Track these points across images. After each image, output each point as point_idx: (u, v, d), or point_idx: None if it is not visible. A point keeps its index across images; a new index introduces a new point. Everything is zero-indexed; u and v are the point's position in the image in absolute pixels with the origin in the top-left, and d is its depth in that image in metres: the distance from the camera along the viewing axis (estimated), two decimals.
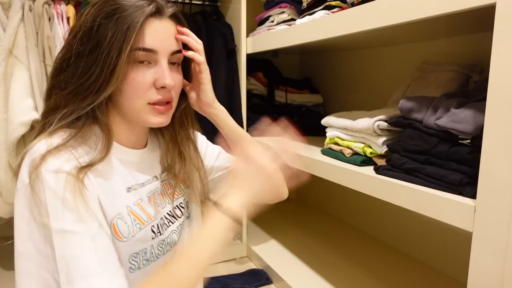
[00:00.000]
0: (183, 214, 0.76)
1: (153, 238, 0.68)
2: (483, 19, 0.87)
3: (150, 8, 0.62)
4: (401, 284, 1.29)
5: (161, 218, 0.71)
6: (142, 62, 0.63)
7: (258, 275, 1.44)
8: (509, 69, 0.59)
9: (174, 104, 0.68)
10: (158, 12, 0.64)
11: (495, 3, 0.61)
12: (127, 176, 0.68)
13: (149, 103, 0.64)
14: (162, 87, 0.64)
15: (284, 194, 0.84)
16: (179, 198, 0.77)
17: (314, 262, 1.45)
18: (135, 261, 0.64)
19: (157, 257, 0.68)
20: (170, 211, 0.74)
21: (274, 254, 1.52)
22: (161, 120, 0.66)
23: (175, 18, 0.68)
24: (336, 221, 1.86)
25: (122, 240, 0.62)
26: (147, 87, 0.63)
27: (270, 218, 1.90)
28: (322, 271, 1.38)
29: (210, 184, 0.84)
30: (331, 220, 1.88)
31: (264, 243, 1.63)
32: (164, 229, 0.71)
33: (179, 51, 0.67)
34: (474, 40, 1.14)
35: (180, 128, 0.77)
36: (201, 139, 0.87)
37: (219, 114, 0.81)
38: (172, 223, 0.73)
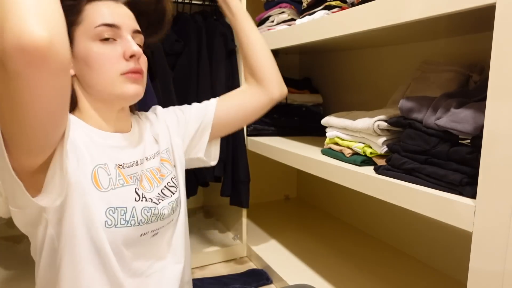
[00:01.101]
0: (173, 193, 0.78)
1: (136, 200, 0.68)
2: (483, 19, 0.87)
3: None
4: (401, 284, 1.29)
5: (153, 194, 0.74)
6: (107, 39, 0.67)
7: (258, 275, 1.44)
8: (509, 69, 0.59)
9: (144, 78, 0.72)
10: None
11: (495, 3, 0.61)
12: (104, 156, 0.69)
13: (121, 74, 0.68)
14: (131, 56, 0.68)
15: None
16: (166, 178, 0.79)
17: (314, 262, 1.45)
18: (112, 216, 0.65)
19: (139, 223, 0.68)
20: (158, 193, 0.76)
21: (274, 254, 1.52)
22: (137, 87, 0.70)
23: (131, 6, 0.74)
24: (336, 221, 1.86)
25: (101, 190, 0.65)
26: (116, 59, 0.67)
27: (270, 218, 1.90)
28: (322, 271, 1.38)
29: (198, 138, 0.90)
30: (331, 220, 1.88)
31: (264, 243, 1.63)
32: (153, 202, 0.72)
33: (139, 32, 0.72)
34: (474, 40, 1.14)
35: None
36: (165, 112, 0.89)
37: None
38: (162, 200, 0.75)
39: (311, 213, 1.97)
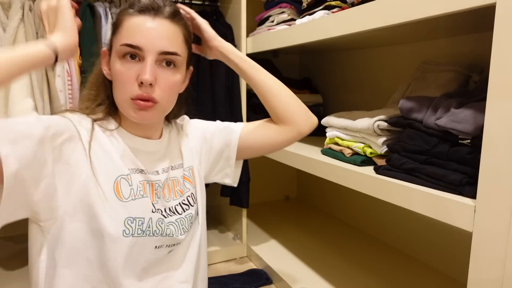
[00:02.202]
0: (184, 211, 0.78)
1: (153, 212, 0.70)
2: (483, 19, 0.87)
3: (138, 5, 0.66)
4: (401, 284, 1.29)
5: (163, 209, 0.74)
6: (131, 57, 0.66)
7: (258, 275, 1.44)
8: (509, 69, 0.59)
9: (163, 103, 0.69)
10: (149, 10, 0.66)
11: (495, 3, 0.61)
12: (130, 158, 0.71)
13: (131, 98, 0.66)
14: (142, 83, 0.65)
15: None
16: (183, 195, 0.79)
17: (314, 262, 1.45)
18: (130, 226, 0.66)
19: (154, 234, 0.70)
20: (172, 206, 0.76)
21: (274, 254, 1.52)
22: (141, 116, 0.67)
23: (174, 19, 0.68)
24: (336, 221, 1.86)
25: (122, 200, 0.67)
26: (130, 81, 0.66)
27: (270, 218, 1.90)
28: (322, 271, 1.38)
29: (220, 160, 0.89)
30: (331, 220, 1.88)
31: (264, 243, 1.63)
32: (162, 214, 0.73)
33: (171, 53, 0.67)
34: (474, 40, 1.14)
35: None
36: (199, 126, 0.89)
37: (225, 45, 0.85)
38: (170, 216, 0.75)
39: (311, 213, 1.97)
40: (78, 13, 0.51)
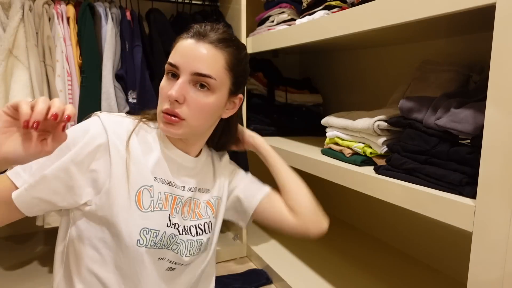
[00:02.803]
0: (197, 235, 0.79)
1: (167, 226, 0.72)
2: (483, 19, 0.87)
3: (191, 30, 0.71)
4: (401, 284, 1.29)
5: (180, 224, 0.75)
6: (172, 75, 0.71)
7: (258, 275, 1.44)
8: (509, 69, 0.59)
9: (191, 121, 0.71)
10: (196, 35, 0.70)
11: (495, 3, 0.61)
12: (163, 168, 0.74)
13: (162, 111, 0.70)
14: (169, 98, 0.69)
15: None
16: (202, 219, 0.80)
17: (314, 262, 1.45)
18: (145, 237, 0.69)
19: (163, 247, 0.72)
20: (187, 225, 0.77)
21: (274, 254, 1.52)
22: (167, 129, 0.70)
23: (218, 45, 0.71)
24: (336, 221, 1.86)
25: (142, 210, 0.69)
26: (165, 96, 0.70)
27: None
28: (322, 271, 1.38)
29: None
30: (331, 220, 1.86)
31: (264, 243, 1.63)
32: (178, 232, 0.75)
33: (203, 75, 0.69)
34: (474, 40, 1.14)
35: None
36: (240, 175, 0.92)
37: (257, 139, 0.92)
38: (185, 234, 0.76)
39: None
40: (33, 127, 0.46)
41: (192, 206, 0.79)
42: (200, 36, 0.70)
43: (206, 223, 0.81)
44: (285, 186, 0.89)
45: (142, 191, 0.69)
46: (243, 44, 0.79)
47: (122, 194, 0.67)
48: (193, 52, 0.69)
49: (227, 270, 1.50)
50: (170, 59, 0.71)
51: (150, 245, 0.69)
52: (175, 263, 0.75)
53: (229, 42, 0.73)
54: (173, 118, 0.69)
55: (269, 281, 1.41)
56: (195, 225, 0.79)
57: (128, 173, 0.68)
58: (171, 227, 0.73)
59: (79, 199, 0.67)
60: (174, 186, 0.75)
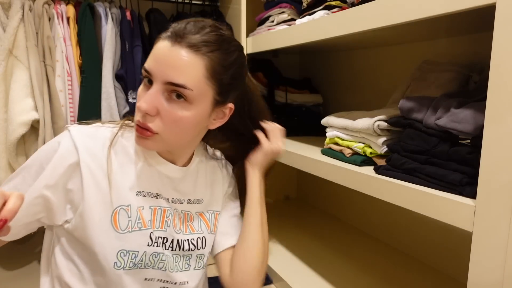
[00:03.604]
0: (189, 250, 0.74)
1: (148, 245, 0.67)
2: (483, 19, 0.87)
3: (169, 29, 0.62)
4: (401, 284, 1.29)
5: (169, 238, 0.71)
6: (148, 81, 0.63)
7: None
8: (509, 69, 0.59)
9: (165, 136, 0.63)
10: (173, 36, 0.61)
11: (495, 3, 0.61)
12: (147, 180, 0.68)
13: (135, 122, 0.64)
14: (139, 111, 0.62)
15: None
16: (194, 233, 0.76)
17: (314, 262, 1.45)
18: (122, 259, 0.64)
19: (145, 267, 0.67)
20: (180, 240, 0.72)
21: (274, 254, 1.52)
22: (139, 143, 0.64)
23: (198, 49, 0.61)
24: (336, 221, 1.86)
25: (118, 232, 0.64)
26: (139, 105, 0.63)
27: (270, 218, 1.90)
28: (322, 271, 1.38)
29: None
30: (331, 220, 1.88)
31: None
32: (164, 247, 0.70)
33: (176, 85, 0.60)
34: (474, 40, 1.14)
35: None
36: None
37: (250, 176, 0.86)
38: (171, 249, 0.71)
39: (311, 213, 1.97)
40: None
41: (183, 219, 0.74)
42: (178, 38, 0.60)
43: (200, 238, 0.76)
44: (246, 236, 0.81)
45: (119, 211, 0.64)
46: (237, 45, 0.68)
47: (97, 217, 0.62)
48: (167, 58, 0.59)
49: None
50: (146, 63, 0.62)
51: (129, 267, 0.65)
52: (167, 281, 0.71)
53: (215, 46, 0.62)
54: (145, 131, 0.62)
55: (269, 281, 1.41)
56: (188, 240, 0.74)
57: (102, 193, 0.63)
58: (153, 246, 0.67)
59: (60, 218, 0.64)
60: (161, 198, 0.70)
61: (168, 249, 0.70)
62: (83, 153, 0.62)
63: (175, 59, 0.59)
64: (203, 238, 0.77)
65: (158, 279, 0.70)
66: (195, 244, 0.75)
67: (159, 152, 0.70)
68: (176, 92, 0.60)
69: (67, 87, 1.31)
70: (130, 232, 0.65)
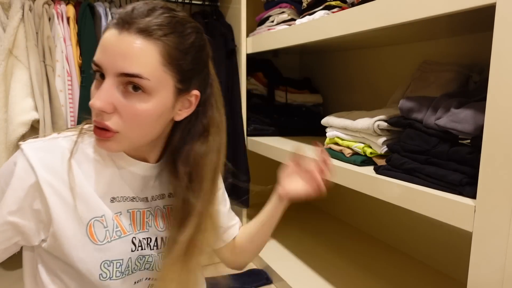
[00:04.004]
0: None
1: (132, 251, 0.64)
2: (483, 19, 0.87)
3: (117, 16, 0.55)
4: (401, 284, 1.29)
5: (152, 238, 0.68)
6: (100, 76, 0.56)
7: (258, 275, 1.44)
8: (509, 69, 0.59)
9: (126, 134, 0.57)
10: (120, 23, 0.54)
11: (495, 3, 0.61)
12: (119, 185, 0.64)
13: (93, 123, 0.58)
14: (93, 109, 0.56)
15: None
16: None
17: (314, 262, 1.45)
18: (107, 270, 0.61)
19: (133, 271, 0.65)
20: (164, 237, 0.69)
21: (274, 254, 1.52)
22: (100, 146, 0.58)
23: (151, 33, 0.54)
24: (336, 221, 1.86)
25: (97, 244, 0.60)
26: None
27: None
28: (322, 271, 1.38)
29: None
30: (331, 220, 1.88)
31: None
32: (149, 248, 0.67)
33: (130, 75, 0.53)
34: (474, 40, 1.14)
35: (188, 180, 0.66)
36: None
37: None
38: (156, 248, 0.69)
39: (311, 213, 1.96)
40: None
41: (166, 214, 0.70)
42: (125, 24, 0.53)
43: None
44: (261, 235, 0.86)
45: (93, 224, 0.60)
46: (194, 27, 0.60)
47: (70, 233, 0.59)
48: (116, 47, 0.53)
49: (227, 270, 1.50)
50: (95, 56, 0.55)
51: (116, 276, 0.62)
52: (155, 279, 0.69)
53: (168, 28, 0.55)
54: (105, 132, 0.56)
55: (269, 281, 1.41)
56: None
57: (71, 209, 0.59)
58: (137, 250, 0.65)
59: (36, 239, 0.60)
60: (138, 200, 0.66)
61: (153, 249, 0.68)
62: (40, 171, 0.57)
63: (125, 47, 0.53)
64: None
65: (146, 278, 0.68)
66: None
67: (126, 152, 0.64)
68: (132, 83, 0.54)
69: (67, 87, 1.31)
70: (110, 242, 0.62)
